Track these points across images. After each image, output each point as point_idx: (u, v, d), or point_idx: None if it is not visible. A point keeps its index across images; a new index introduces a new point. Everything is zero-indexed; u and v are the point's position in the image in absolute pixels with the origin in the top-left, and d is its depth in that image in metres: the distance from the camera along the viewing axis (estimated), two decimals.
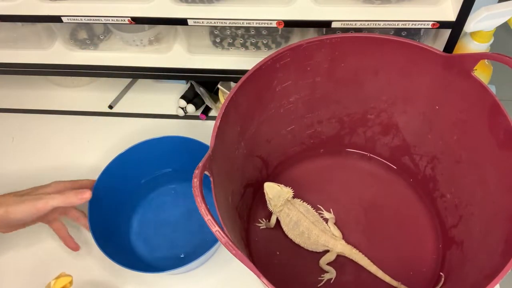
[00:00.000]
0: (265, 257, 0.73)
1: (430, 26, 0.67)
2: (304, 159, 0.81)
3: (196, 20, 0.69)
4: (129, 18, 0.70)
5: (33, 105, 0.97)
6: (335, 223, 0.74)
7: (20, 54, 0.83)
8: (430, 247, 0.73)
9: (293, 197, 0.73)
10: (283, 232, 0.73)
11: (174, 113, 0.94)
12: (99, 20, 0.71)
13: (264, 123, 0.71)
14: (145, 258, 0.76)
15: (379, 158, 0.81)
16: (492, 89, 0.68)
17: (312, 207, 0.74)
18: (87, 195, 0.64)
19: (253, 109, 0.67)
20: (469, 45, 0.75)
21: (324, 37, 0.64)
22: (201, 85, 0.93)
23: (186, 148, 0.76)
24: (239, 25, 0.69)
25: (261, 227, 0.75)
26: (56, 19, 0.72)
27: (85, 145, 0.90)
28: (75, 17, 0.71)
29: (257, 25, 0.69)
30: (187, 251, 0.76)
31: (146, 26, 0.78)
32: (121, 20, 0.71)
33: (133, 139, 0.77)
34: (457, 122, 0.66)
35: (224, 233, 0.47)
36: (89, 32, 0.83)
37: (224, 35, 0.78)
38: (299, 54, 0.65)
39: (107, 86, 0.98)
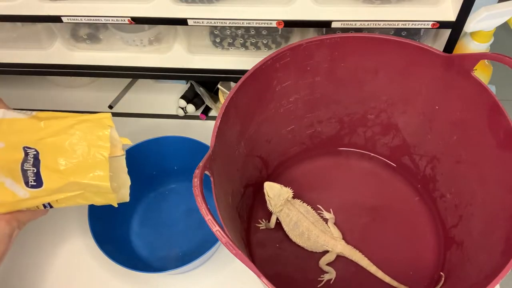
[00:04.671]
0: (265, 257, 0.73)
1: (430, 26, 0.67)
2: (304, 159, 0.81)
3: (196, 20, 0.69)
4: (129, 18, 0.70)
5: (33, 105, 0.97)
6: (335, 223, 0.74)
7: (20, 54, 0.83)
8: (430, 247, 0.73)
9: (293, 198, 0.73)
10: (283, 232, 0.73)
11: (174, 113, 0.94)
12: (99, 20, 0.71)
13: (264, 123, 0.71)
14: (145, 258, 0.76)
15: (379, 158, 0.81)
16: (492, 89, 0.68)
17: (312, 207, 0.74)
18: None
19: (253, 109, 0.67)
20: (469, 45, 0.75)
21: (324, 37, 0.64)
22: (201, 85, 0.93)
23: (186, 148, 0.76)
24: (239, 25, 0.69)
25: (261, 228, 0.75)
26: (56, 19, 0.72)
27: None
28: (75, 17, 0.71)
29: (257, 25, 0.69)
30: (187, 251, 0.76)
31: (146, 26, 0.78)
32: (121, 20, 0.71)
33: (133, 139, 0.77)
34: (457, 122, 0.66)
35: (224, 233, 0.47)
36: (90, 30, 0.83)
37: (224, 35, 0.78)
38: (299, 54, 0.65)
39: (107, 86, 0.98)
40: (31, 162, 0.58)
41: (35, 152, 0.58)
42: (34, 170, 0.58)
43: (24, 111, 0.62)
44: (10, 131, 0.59)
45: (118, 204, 0.63)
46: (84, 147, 0.59)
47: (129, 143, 0.64)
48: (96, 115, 0.62)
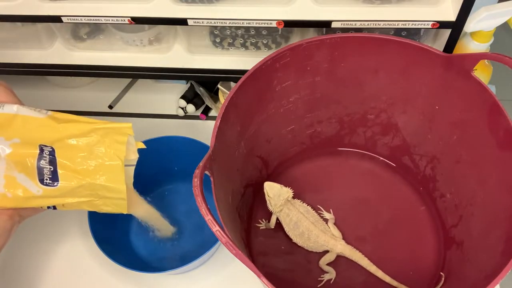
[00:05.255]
0: (265, 257, 0.73)
1: (430, 26, 0.67)
2: (304, 159, 0.81)
3: (196, 20, 0.69)
4: (129, 18, 0.70)
5: (33, 105, 0.97)
6: (335, 224, 0.74)
7: (20, 54, 0.83)
8: (430, 247, 0.73)
9: (293, 198, 0.73)
10: (283, 232, 0.73)
11: (174, 113, 0.94)
12: (99, 20, 0.71)
13: (264, 123, 0.71)
14: (145, 258, 0.76)
15: (379, 158, 0.81)
16: (492, 89, 0.68)
17: (312, 207, 0.74)
18: None
19: (253, 109, 0.67)
20: (469, 45, 0.75)
21: (324, 37, 0.64)
22: (201, 85, 0.93)
23: (186, 148, 0.76)
24: (239, 25, 0.69)
25: (261, 227, 0.75)
26: (56, 19, 0.72)
27: None
28: (75, 17, 0.71)
29: (257, 25, 0.69)
30: (187, 251, 0.76)
31: (146, 26, 0.78)
32: (121, 20, 0.71)
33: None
34: (457, 122, 0.66)
35: (224, 233, 0.47)
36: (90, 30, 0.83)
37: (224, 35, 0.78)
38: (299, 54, 0.65)
39: (107, 86, 0.98)
40: (47, 159, 0.58)
41: (50, 149, 0.58)
42: (51, 168, 0.58)
43: (39, 110, 0.61)
44: (25, 129, 0.59)
45: None
46: (101, 149, 0.59)
47: (143, 146, 0.64)
48: (118, 123, 0.62)
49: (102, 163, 0.59)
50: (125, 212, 0.62)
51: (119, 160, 0.59)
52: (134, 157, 0.62)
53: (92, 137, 0.59)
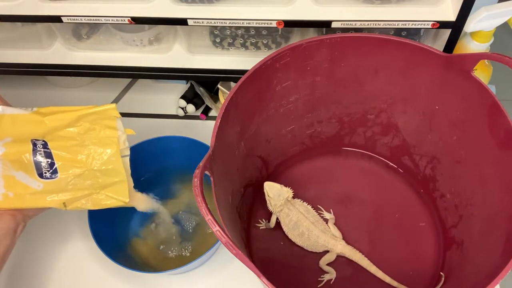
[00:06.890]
0: (265, 257, 0.73)
1: (430, 26, 0.67)
2: (304, 159, 0.81)
3: (196, 20, 0.69)
4: (129, 18, 0.70)
5: (33, 105, 0.97)
6: (335, 224, 0.74)
7: (20, 54, 0.83)
8: (430, 247, 0.73)
9: (293, 198, 0.73)
10: (283, 232, 0.73)
11: (174, 113, 0.94)
12: (99, 20, 0.71)
13: (264, 123, 0.71)
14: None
15: (379, 158, 0.81)
16: (492, 89, 0.68)
17: (312, 207, 0.74)
18: None
19: (253, 109, 0.67)
20: (469, 45, 0.75)
21: (324, 37, 0.64)
22: (201, 85, 0.93)
23: (186, 148, 0.76)
24: (239, 25, 0.69)
25: (261, 227, 0.75)
26: (56, 19, 0.72)
27: None
28: (75, 17, 0.71)
29: (257, 25, 0.69)
30: None
31: (146, 26, 0.78)
32: (121, 20, 0.71)
33: (133, 139, 0.77)
34: (457, 122, 0.66)
35: (224, 232, 0.47)
36: (90, 30, 0.83)
37: (224, 35, 0.78)
38: (299, 54, 0.65)
39: (107, 86, 0.98)
40: (42, 153, 0.58)
41: (43, 143, 0.59)
42: (48, 161, 0.58)
43: (25, 108, 0.62)
44: (14, 127, 0.60)
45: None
46: (93, 135, 0.60)
47: (133, 133, 0.64)
48: (101, 106, 0.62)
49: (96, 150, 0.60)
50: (127, 200, 0.62)
51: (113, 144, 0.60)
52: (125, 146, 0.63)
53: (81, 126, 0.60)
